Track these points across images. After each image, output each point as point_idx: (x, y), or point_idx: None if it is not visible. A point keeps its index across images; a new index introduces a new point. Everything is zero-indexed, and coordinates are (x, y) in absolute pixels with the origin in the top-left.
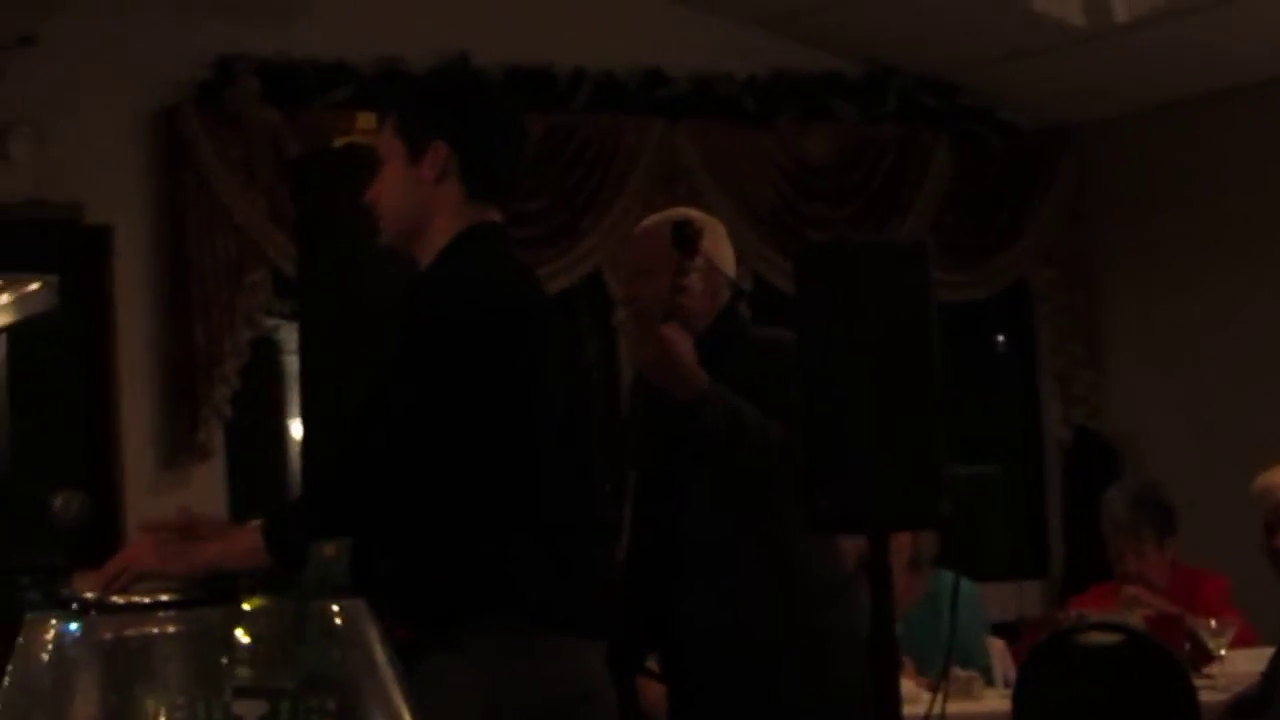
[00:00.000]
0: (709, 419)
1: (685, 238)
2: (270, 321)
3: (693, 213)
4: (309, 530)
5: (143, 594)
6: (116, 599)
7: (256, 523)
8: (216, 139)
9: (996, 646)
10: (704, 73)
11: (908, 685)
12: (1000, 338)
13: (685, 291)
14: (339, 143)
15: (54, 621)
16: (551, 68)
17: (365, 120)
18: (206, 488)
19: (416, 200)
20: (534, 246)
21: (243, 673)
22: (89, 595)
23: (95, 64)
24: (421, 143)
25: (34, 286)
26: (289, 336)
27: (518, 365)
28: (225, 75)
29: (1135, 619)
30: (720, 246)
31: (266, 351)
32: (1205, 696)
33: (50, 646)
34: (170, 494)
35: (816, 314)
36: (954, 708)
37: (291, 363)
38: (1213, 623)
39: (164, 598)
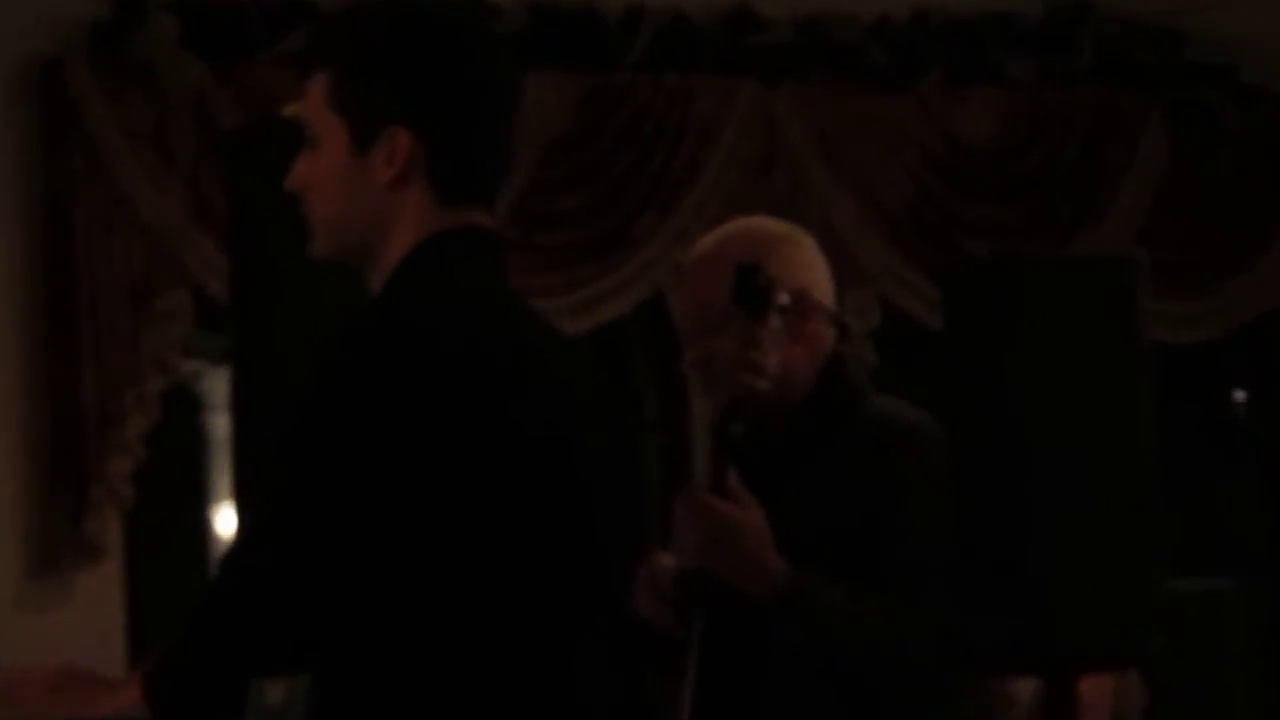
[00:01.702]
0: (787, 627)
1: (753, 292)
2: (190, 365)
3: (764, 230)
4: (187, 678)
5: None
6: None
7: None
8: (117, 103)
9: None
10: (814, 13)
11: None
12: (1239, 396)
13: (757, 370)
14: (291, 111)
15: None
16: (595, 6)
17: None
18: (98, 602)
19: (365, 206)
20: (569, 260)
21: None
22: None
23: None
24: (371, 125)
25: None
26: (217, 386)
27: (478, 446)
28: (130, 13)
29: None
30: (812, 270)
31: (184, 408)
32: None
33: None
34: (46, 611)
35: (974, 361)
36: None
37: (220, 424)
38: None
39: None
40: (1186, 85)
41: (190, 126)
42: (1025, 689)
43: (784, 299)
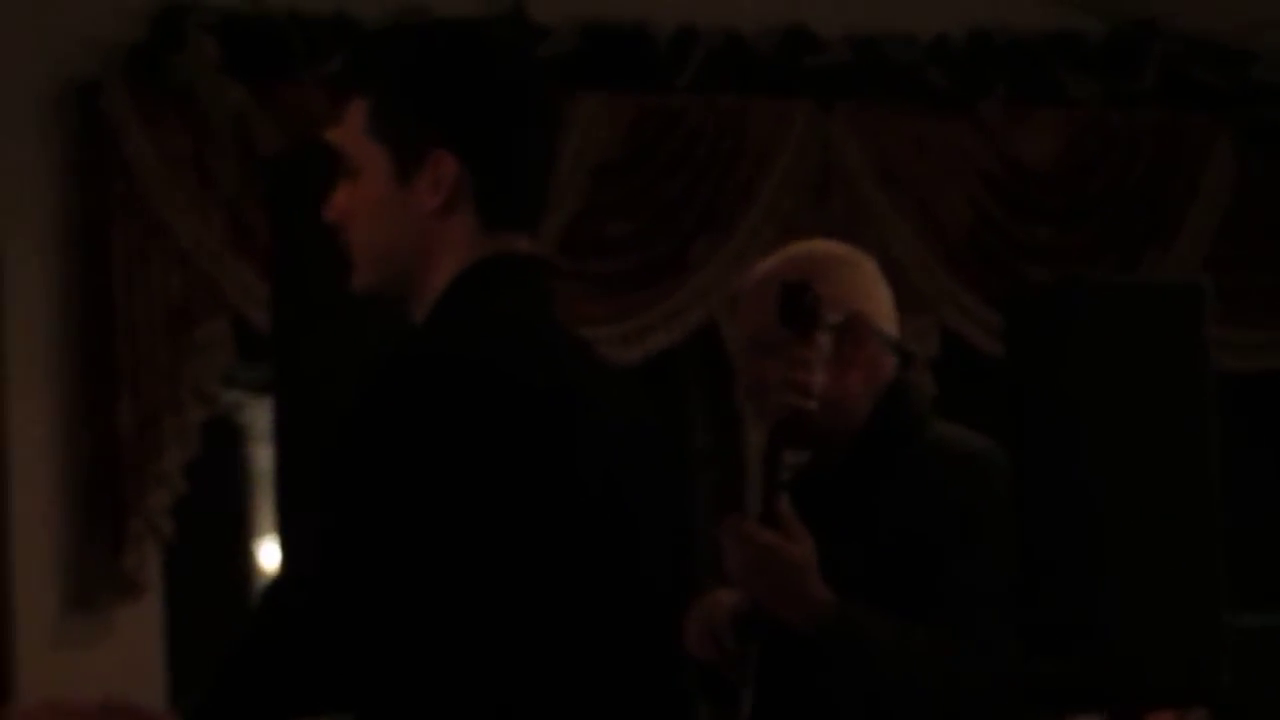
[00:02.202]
0: (830, 659)
1: (799, 310)
2: (231, 395)
3: (822, 252)
4: (226, 717)
5: None
6: None
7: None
8: (156, 127)
9: None
10: (871, 33)
11: None
12: None
13: (802, 390)
14: (331, 137)
15: None
16: (646, 26)
17: None
18: (137, 638)
19: (408, 235)
20: (619, 289)
21: None
22: None
23: None
24: (414, 152)
25: None
26: (258, 417)
27: (524, 479)
28: (169, 35)
29: None
30: (869, 295)
31: (225, 439)
32: None
33: None
34: (85, 648)
35: (1037, 389)
36: None
37: (262, 456)
38: None
39: None
40: (1255, 106)
41: (230, 151)
42: None
43: (833, 318)
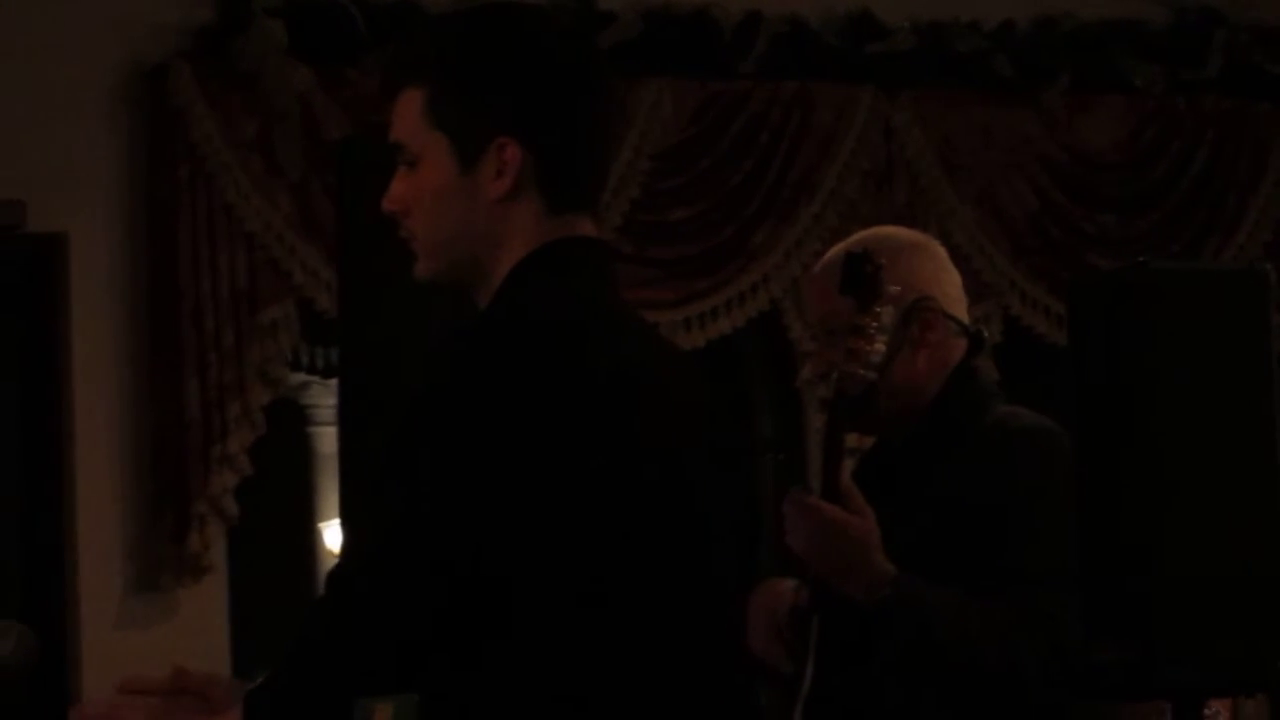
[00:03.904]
0: (890, 632)
1: (859, 279)
2: (296, 378)
3: (891, 236)
4: (288, 699)
5: None
6: None
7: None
8: (223, 111)
9: None
10: (935, 19)
11: None
12: None
13: (860, 359)
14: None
15: None
16: (710, 11)
17: None
18: (201, 619)
19: (473, 222)
20: (682, 273)
21: None
22: None
23: (45, 6)
24: (476, 139)
25: None
26: (324, 400)
27: (588, 462)
28: (236, 19)
29: None
30: (938, 279)
31: (290, 421)
32: None
33: None
34: (149, 628)
35: (1100, 375)
36: None
37: (327, 438)
38: None
39: None
40: None
41: (296, 134)
42: (1147, 711)
43: (894, 289)
